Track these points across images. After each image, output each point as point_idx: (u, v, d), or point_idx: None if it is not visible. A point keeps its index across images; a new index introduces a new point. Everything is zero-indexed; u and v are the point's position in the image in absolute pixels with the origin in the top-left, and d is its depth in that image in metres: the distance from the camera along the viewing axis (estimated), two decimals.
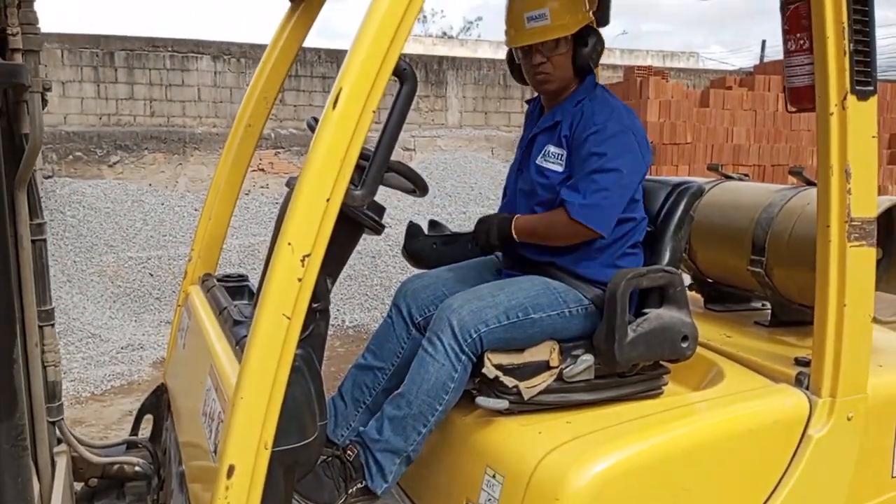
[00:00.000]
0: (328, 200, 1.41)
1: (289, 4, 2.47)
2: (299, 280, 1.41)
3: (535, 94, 2.35)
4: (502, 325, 1.92)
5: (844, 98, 1.89)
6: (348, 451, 1.95)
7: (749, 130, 10.68)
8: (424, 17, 31.32)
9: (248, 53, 10.55)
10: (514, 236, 2.12)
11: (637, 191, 2.14)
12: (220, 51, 10.56)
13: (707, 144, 10.32)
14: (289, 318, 1.41)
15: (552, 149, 2.16)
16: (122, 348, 5.99)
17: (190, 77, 10.46)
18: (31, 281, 1.94)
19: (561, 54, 2.12)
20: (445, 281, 2.24)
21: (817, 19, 1.90)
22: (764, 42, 21.64)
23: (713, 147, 10.33)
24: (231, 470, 1.39)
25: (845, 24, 1.87)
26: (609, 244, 2.10)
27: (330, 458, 1.94)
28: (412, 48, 17.14)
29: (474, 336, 1.90)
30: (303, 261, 1.40)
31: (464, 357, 1.90)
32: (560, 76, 2.15)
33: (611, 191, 2.01)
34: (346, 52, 1.46)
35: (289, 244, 1.40)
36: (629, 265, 2.10)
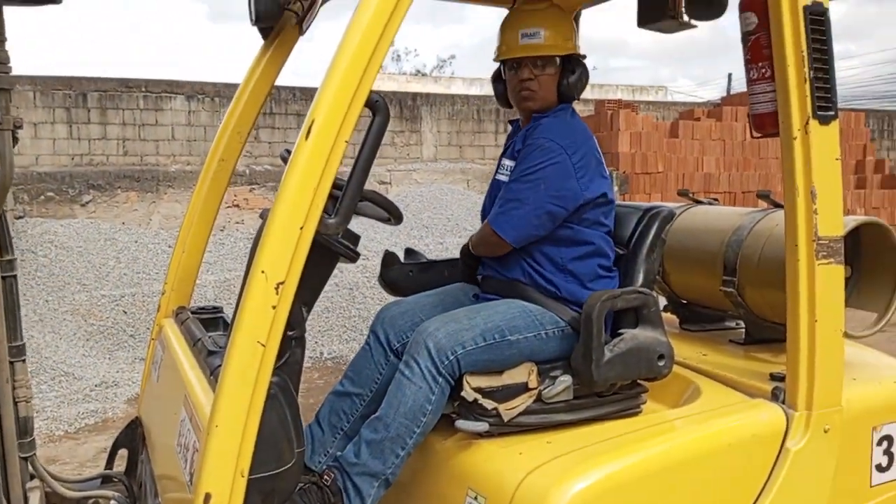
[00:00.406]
0: (301, 228, 1.43)
1: (262, 42, 2.50)
2: (273, 307, 1.41)
3: (517, 116, 2.39)
4: (479, 347, 1.93)
5: (807, 123, 1.95)
6: (325, 477, 1.92)
7: (718, 159, 10.90)
8: (398, 55, 31.76)
9: (221, 92, 10.61)
10: (471, 249, 2.31)
11: (599, 214, 2.16)
12: (194, 90, 10.61)
13: (678, 173, 10.51)
14: (263, 346, 1.42)
15: (506, 161, 2.26)
16: (95, 386, 5.90)
17: (164, 116, 10.48)
18: (2, 317, 1.93)
19: (548, 75, 2.20)
20: (423, 307, 2.24)
21: (778, 49, 1.96)
22: (730, 75, 22.23)
23: (684, 175, 10.52)
24: (207, 498, 1.38)
25: (805, 53, 1.93)
26: (570, 263, 2.13)
27: (307, 485, 1.91)
28: (387, 85, 17.31)
29: (451, 358, 1.90)
30: (277, 288, 1.41)
31: (441, 379, 1.90)
32: (543, 96, 2.21)
33: (523, 202, 2.09)
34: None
35: (262, 272, 1.40)
36: (605, 287, 2.12)
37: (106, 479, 2.49)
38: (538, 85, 2.20)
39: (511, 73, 2.24)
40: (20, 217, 8.82)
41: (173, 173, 9.98)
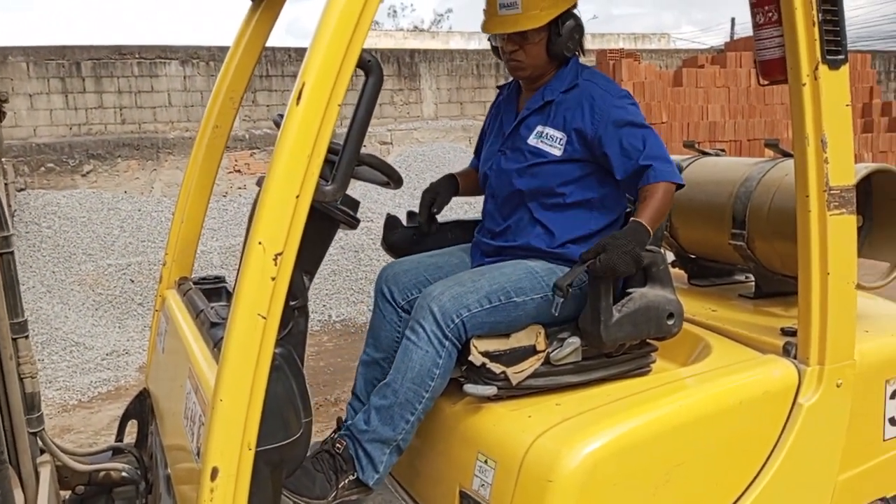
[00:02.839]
0: (298, 197, 1.38)
1: (250, 3, 2.43)
2: (273, 279, 1.38)
3: (509, 80, 2.32)
4: (485, 310, 1.90)
5: (816, 68, 1.88)
6: (337, 444, 1.92)
7: (723, 107, 10.76)
8: (394, 11, 31.31)
9: (216, 56, 10.46)
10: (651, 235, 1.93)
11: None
12: (188, 55, 10.47)
13: (683, 123, 10.39)
14: (264, 318, 1.39)
15: (550, 131, 2.10)
16: (107, 355, 5.96)
17: (159, 83, 10.36)
18: (1, 294, 1.90)
19: (534, 44, 2.08)
20: (426, 266, 2.21)
21: None
22: (733, 19, 21.86)
23: (689, 125, 10.39)
24: (215, 472, 1.37)
25: None
26: (600, 230, 2.08)
27: (319, 453, 1.91)
28: (383, 43, 17.08)
29: (456, 321, 1.87)
30: (275, 259, 1.38)
31: (447, 343, 1.88)
32: (532, 64, 2.11)
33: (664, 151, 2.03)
34: None
35: (259, 243, 1.37)
36: None
37: (116, 451, 2.50)
38: (525, 55, 2.09)
39: (500, 40, 2.13)
40: (22, 189, 8.80)
41: (172, 140, 9.91)
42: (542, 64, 2.12)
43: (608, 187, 2.09)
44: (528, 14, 2.02)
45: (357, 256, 7.85)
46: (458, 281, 1.96)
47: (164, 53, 10.36)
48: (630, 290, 1.95)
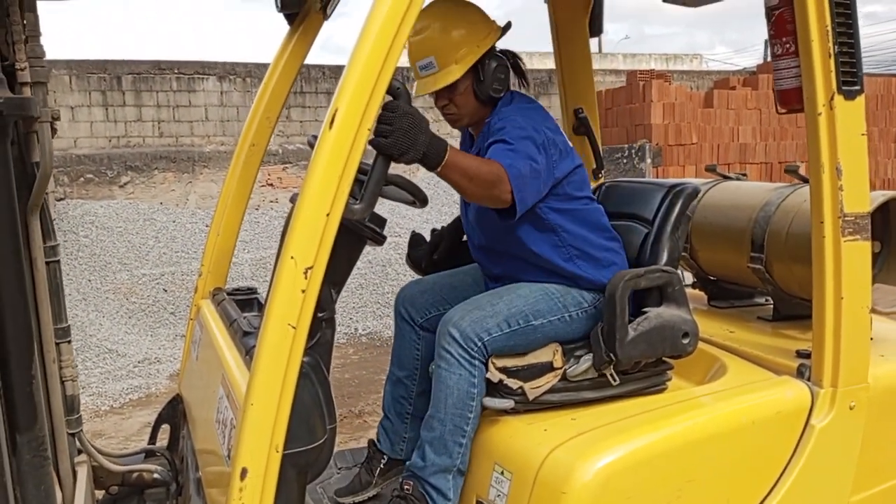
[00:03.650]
0: (328, 215, 1.47)
1: (288, 26, 2.54)
2: (303, 291, 1.46)
3: None
4: (504, 333, 1.95)
5: (832, 98, 1.93)
6: (405, 486, 1.97)
7: (755, 129, 10.69)
8: None
9: (252, 73, 10.71)
10: (441, 164, 1.79)
11: (575, 187, 2.09)
12: (226, 71, 10.73)
13: (713, 144, 10.34)
14: (294, 328, 1.47)
15: None
16: (139, 362, 6.09)
17: (196, 98, 10.62)
18: (47, 300, 2.01)
19: (460, 94, 2.09)
20: (442, 286, 2.29)
21: (801, 23, 1.94)
22: (766, 41, 21.65)
23: (719, 147, 10.34)
24: (244, 472, 1.45)
25: (829, 27, 1.91)
26: (570, 245, 2.08)
27: (392, 500, 1.98)
28: None
29: (479, 344, 1.93)
30: (305, 273, 1.46)
31: (476, 362, 1.93)
32: (467, 112, 2.14)
33: (530, 175, 1.90)
34: None
35: (292, 258, 1.46)
36: (614, 258, 2.12)
37: (149, 454, 2.59)
38: (455, 107, 2.12)
39: (433, 99, 2.15)
40: (61, 199, 9.05)
41: (208, 153, 10.13)
42: (474, 110, 2.13)
43: (554, 204, 2.06)
44: (445, 70, 2.04)
45: (384, 271, 7.95)
46: (477, 304, 2.01)
47: (202, 69, 10.64)
48: (646, 309, 2.00)
